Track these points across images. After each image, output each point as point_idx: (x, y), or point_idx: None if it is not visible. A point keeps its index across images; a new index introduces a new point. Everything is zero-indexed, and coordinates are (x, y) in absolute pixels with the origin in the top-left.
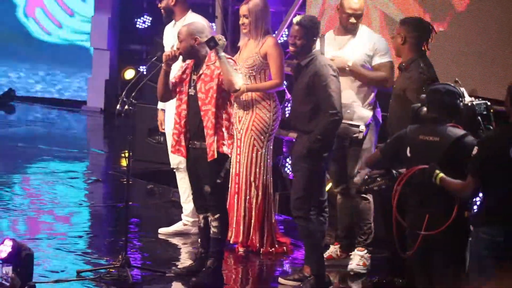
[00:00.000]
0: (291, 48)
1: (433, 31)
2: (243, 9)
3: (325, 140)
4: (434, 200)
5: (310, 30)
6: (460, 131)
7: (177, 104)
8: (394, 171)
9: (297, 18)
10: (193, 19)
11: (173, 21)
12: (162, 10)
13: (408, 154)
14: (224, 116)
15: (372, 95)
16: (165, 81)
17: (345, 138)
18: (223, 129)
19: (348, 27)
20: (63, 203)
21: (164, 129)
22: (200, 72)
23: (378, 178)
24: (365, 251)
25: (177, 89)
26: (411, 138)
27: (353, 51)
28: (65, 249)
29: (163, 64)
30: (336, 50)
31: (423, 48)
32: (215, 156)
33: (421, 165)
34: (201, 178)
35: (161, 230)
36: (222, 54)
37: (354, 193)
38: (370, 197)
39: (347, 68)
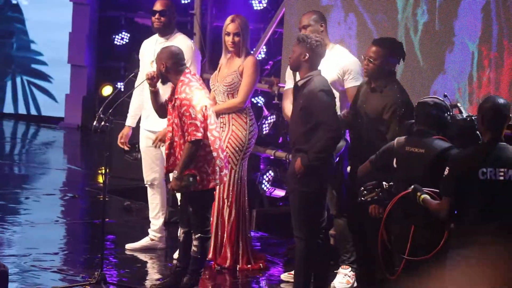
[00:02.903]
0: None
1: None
2: (234, 27)
3: (323, 157)
4: (419, 211)
5: (307, 46)
6: (445, 144)
7: (167, 124)
8: (384, 183)
9: (299, 34)
10: (179, 40)
11: (155, 36)
12: (156, 26)
13: (394, 165)
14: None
15: None
16: (155, 101)
17: None
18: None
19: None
20: (39, 219)
21: (122, 142)
22: (173, 101)
23: (373, 190)
24: (349, 269)
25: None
26: (397, 149)
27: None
28: (41, 266)
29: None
30: None
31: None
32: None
33: (404, 191)
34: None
35: (128, 246)
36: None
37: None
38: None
39: None
